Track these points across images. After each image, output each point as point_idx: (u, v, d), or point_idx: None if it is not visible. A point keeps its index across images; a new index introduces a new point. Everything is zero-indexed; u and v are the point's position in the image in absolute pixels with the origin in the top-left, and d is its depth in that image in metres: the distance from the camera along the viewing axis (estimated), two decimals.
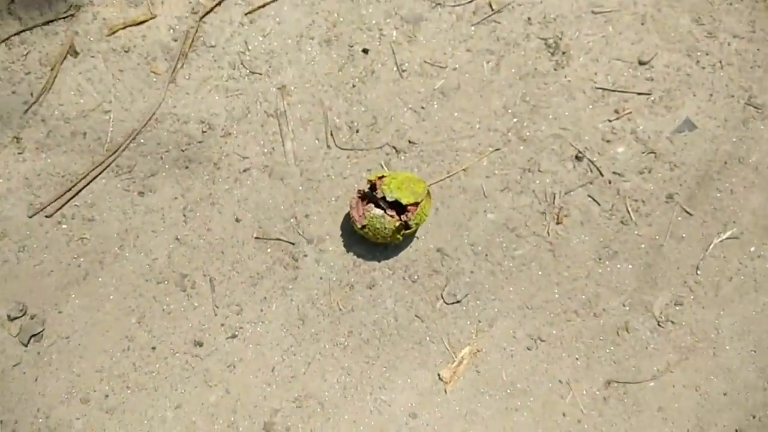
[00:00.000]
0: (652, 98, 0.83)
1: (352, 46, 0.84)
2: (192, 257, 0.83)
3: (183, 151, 0.84)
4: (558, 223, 0.82)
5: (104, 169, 0.83)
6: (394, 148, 0.84)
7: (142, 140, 0.84)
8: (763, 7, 0.84)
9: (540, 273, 0.81)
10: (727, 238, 0.81)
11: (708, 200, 0.81)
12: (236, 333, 0.81)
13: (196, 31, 0.84)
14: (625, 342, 0.80)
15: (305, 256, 0.83)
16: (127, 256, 0.82)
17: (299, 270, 0.83)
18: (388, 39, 0.84)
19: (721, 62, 0.83)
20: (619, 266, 0.81)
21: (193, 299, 0.82)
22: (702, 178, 0.82)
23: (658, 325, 0.80)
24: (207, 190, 0.84)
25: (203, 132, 0.84)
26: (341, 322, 0.81)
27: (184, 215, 0.84)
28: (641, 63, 0.84)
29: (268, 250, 0.83)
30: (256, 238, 0.83)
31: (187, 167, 0.84)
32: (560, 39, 0.84)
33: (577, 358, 0.80)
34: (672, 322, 0.80)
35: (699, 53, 0.83)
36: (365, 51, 0.84)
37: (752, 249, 0.80)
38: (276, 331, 0.81)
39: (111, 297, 0.81)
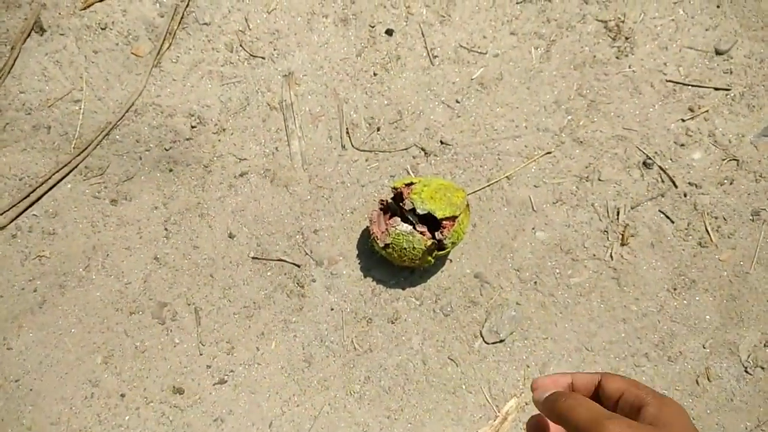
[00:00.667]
0: (732, 95, 0.70)
1: (373, 27, 0.71)
2: (174, 281, 0.68)
3: (167, 150, 0.70)
4: (623, 245, 0.68)
5: (70, 171, 0.69)
6: (423, 149, 0.70)
7: (117, 136, 0.70)
8: None
9: (602, 306, 0.67)
10: None
11: None
12: (226, 377, 0.66)
13: (188, 5, 0.70)
14: (706, 393, 0.66)
15: (313, 281, 0.68)
16: (94, 280, 0.67)
17: (305, 299, 0.68)
18: (416, 18, 0.71)
19: None
20: (698, 298, 0.67)
21: (173, 334, 0.67)
22: None
23: (746, 371, 0.66)
24: (195, 199, 0.70)
25: (192, 127, 0.70)
26: (356, 365, 0.66)
27: (166, 229, 0.69)
28: (718, 53, 0.71)
29: (268, 274, 0.69)
30: (253, 258, 0.69)
31: (171, 170, 0.70)
32: (622, 22, 0.71)
33: None
34: (762, 367, 0.66)
35: None
36: (389, 32, 0.71)
37: None
38: (275, 375, 0.65)
39: (72, 330, 0.66)
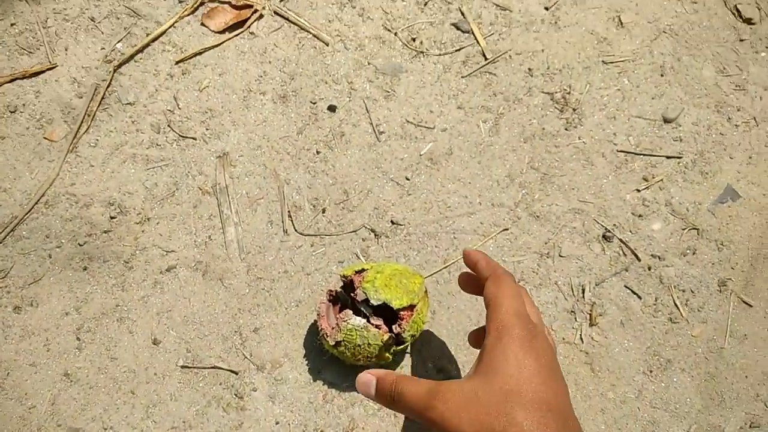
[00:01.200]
0: (684, 162, 0.69)
1: (315, 103, 0.67)
2: (87, 402, 0.57)
3: (81, 245, 0.61)
4: (592, 325, 0.64)
5: None
6: (373, 231, 0.65)
7: (24, 232, 0.61)
8: None
9: (578, 395, 0.62)
10: None
11: (767, 286, 0.66)
12: None
13: (109, 84, 0.64)
14: None
15: (254, 390, 0.59)
16: None
17: (245, 412, 0.59)
18: (360, 94, 0.68)
19: (755, 119, 0.72)
20: (675, 379, 0.63)
21: None
22: (755, 258, 0.67)
23: None
24: (113, 301, 0.61)
25: (111, 218, 0.62)
26: None
27: (78, 339, 0.59)
28: (666, 121, 0.71)
29: (201, 385, 0.59)
30: (182, 367, 0.59)
31: (85, 268, 0.61)
32: (569, 93, 0.71)
33: None
34: None
35: (730, 108, 0.72)
36: (332, 108, 0.67)
37: None
38: None
39: None
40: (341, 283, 0.55)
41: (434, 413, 0.40)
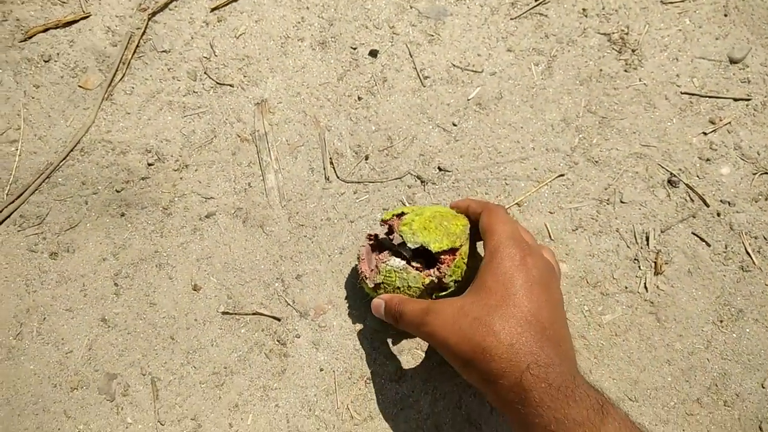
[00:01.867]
0: (754, 104, 0.83)
1: (355, 48, 0.83)
2: (125, 348, 0.72)
3: (118, 192, 0.77)
4: (658, 274, 0.77)
5: (2, 222, 0.75)
6: (419, 178, 0.79)
7: (59, 179, 0.77)
8: None
9: (642, 346, 0.74)
10: None
11: None
12: None
13: (144, 32, 0.81)
14: None
15: (297, 336, 0.73)
16: (28, 349, 0.70)
17: (289, 359, 0.73)
18: (402, 39, 0.84)
19: None
20: (748, 330, 0.75)
21: (125, 412, 0.70)
22: None
23: None
24: (152, 247, 0.76)
25: (149, 165, 0.78)
26: None
27: (116, 284, 0.75)
28: (733, 62, 0.85)
29: (242, 331, 0.74)
30: (223, 313, 0.74)
31: (123, 215, 0.77)
32: (627, 35, 0.86)
33: None
34: None
35: None
36: (373, 53, 0.83)
37: None
38: None
39: None
40: (384, 229, 0.68)
41: (427, 328, 0.56)
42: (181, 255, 0.73)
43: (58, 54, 0.79)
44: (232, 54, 0.80)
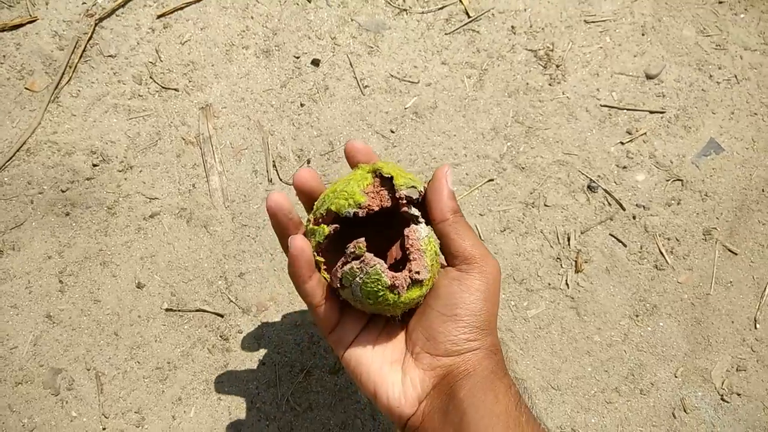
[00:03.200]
0: (668, 117, 0.93)
1: (298, 57, 0.90)
2: (70, 343, 0.76)
3: (63, 191, 0.82)
4: (578, 271, 0.86)
5: None
6: None
7: (5, 179, 0.81)
8: None
9: (564, 338, 0.83)
10: None
11: (752, 235, 0.89)
12: None
13: (91, 37, 0.86)
14: (685, 426, 0.81)
15: (240, 332, 0.79)
16: None
17: (231, 353, 0.79)
18: (343, 49, 0.91)
19: (736, 77, 0.97)
20: (662, 324, 0.85)
21: (69, 406, 0.74)
22: (740, 208, 0.90)
23: (722, 399, 0.82)
24: (96, 245, 0.81)
25: (94, 166, 0.83)
26: (295, 428, 0.76)
27: (61, 281, 0.79)
28: (649, 77, 0.96)
29: (185, 327, 0.79)
30: (167, 310, 0.79)
31: (68, 214, 0.81)
32: (552, 51, 0.95)
33: None
34: (738, 393, 0.83)
35: (711, 66, 0.97)
36: (316, 63, 0.90)
37: None
38: None
39: None
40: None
41: None
42: (125, 253, 0.78)
43: (4, 56, 0.83)
44: (177, 60, 0.86)
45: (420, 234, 0.51)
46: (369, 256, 0.49)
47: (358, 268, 0.49)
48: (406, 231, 0.51)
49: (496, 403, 0.46)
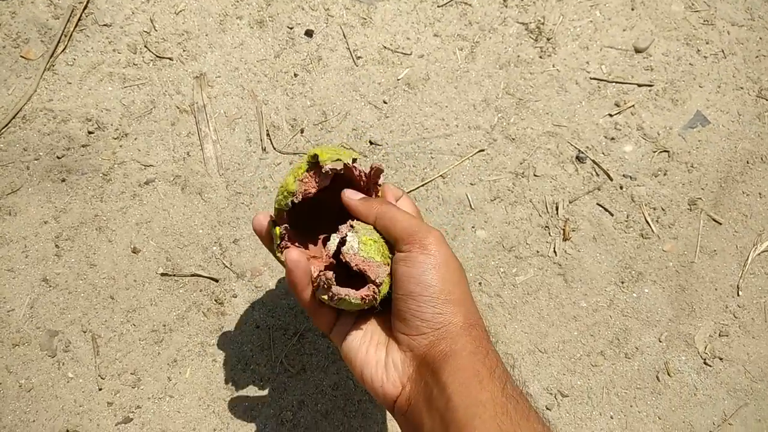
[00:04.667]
0: (656, 90, 0.94)
1: (291, 28, 0.90)
2: (66, 306, 0.76)
3: (59, 158, 0.82)
4: (566, 239, 0.87)
5: None
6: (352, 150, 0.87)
7: (1, 145, 0.80)
8: None
9: (551, 304, 0.84)
10: (764, 251, 0.89)
11: (736, 206, 0.90)
12: (131, 415, 0.74)
13: (86, 6, 0.86)
14: (668, 389, 0.82)
15: (234, 296, 0.80)
16: None
17: (226, 317, 0.79)
18: (337, 20, 0.91)
19: (723, 51, 0.98)
20: (646, 290, 0.86)
21: (66, 367, 0.75)
22: (724, 179, 0.91)
23: (705, 363, 0.84)
24: (92, 211, 0.81)
25: (89, 133, 0.83)
26: (288, 389, 0.77)
27: (57, 246, 0.79)
28: (638, 51, 0.96)
29: (181, 291, 0.80)
30: (162, 274, 0.79)
31: (63, 180, 0.81)
32: (543, 24, 0.96)
33: (611, 417, 0.81)
34: (720, 358, 0.84)
35: (698, 41, 0.97)
36: (309, 33, 0.90)
37: None
38: (191, 408, 0.73)
39: None
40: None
41: None
42: (121, 219, 0.78)
43: (0, 25, 0.83)
44: (171, 29, 0.85)
45: (353, 246, 0.53)
46: (336, 289, 0.51)
47: (328, 297, 0.52)
48: (342, 256, 0.53)
49: (481, 390, 0.46)
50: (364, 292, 0.52)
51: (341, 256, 0.53)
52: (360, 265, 0.52)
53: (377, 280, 0.52)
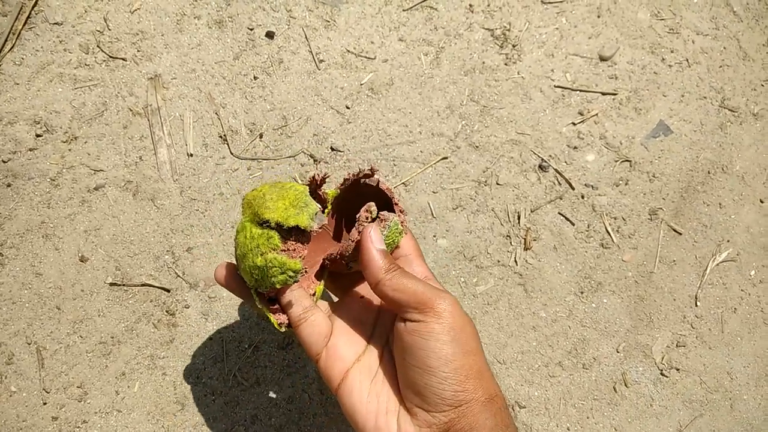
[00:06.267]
0: (619, 99, 0.92)
1: (252, 29, 0.86)
2: (10, 317, 0.71)
3: (5, 162, 0.76)
4: (527, 249, 0.84)
5: None
6: (312, 156, 0.83)
7: None
8: (722, 3, 0.99)
9: (511, 314, 0.82)
10: (723, 261, 0.87)
11: (696, 216, 0.89)
12: (76, 430, 0.69)
13: (35, 3, 0.81)
14: (625, 400, 0.80)
15: (186, 307, 0.76)
16: None
17: (177, 329, 0.75)
18: (299, 22, 0.87)
19: (687, 60, 0.96)
20: (605, 301, 0.84)
21: (9, 381, 0.70)
22: (685, 189, 0.90)
23: (662, 374, 0.82)
24: (38, 217, 0.76)
25: (37, 136, 0.78)
26: (241, 403, 0.73)
27: (1, 254, 0.73)
28: (603, 59, 0.94)
29: (130, 302, 0.75)
30: (111, 284, 0.75)
31: (9, 185, 0.76)
32: (509, 30, 0.92)
33: (568, 428, 0.79)
34: (677, 369, 0.83)
35: (663, 50, 0.95)
36: (270, 35, 0.85)
37: (752, 273, 0.87)
38: (140, 423, 0.69)
39: None
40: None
41: None
42: (69, 226, 0.74)
43: None
44: (126, 29, 0.80)
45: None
46: (384, 213, 0.52)
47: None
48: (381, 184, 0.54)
49: None
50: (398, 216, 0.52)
51: (380, 185, 0.54)
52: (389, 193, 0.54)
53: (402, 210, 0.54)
